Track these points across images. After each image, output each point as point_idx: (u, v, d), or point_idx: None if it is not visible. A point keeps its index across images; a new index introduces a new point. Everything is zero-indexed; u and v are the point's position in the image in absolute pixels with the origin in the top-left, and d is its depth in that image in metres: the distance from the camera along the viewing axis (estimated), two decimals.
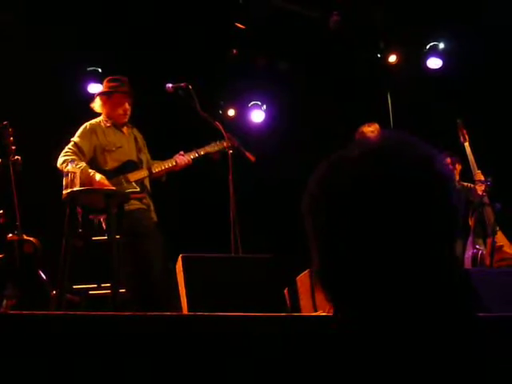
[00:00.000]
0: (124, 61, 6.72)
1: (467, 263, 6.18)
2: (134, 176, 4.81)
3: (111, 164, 4.81)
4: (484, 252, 6.00)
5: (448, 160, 6.49)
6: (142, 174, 4.89)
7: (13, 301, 4.53)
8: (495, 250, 5.80)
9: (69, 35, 6.30)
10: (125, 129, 5.02)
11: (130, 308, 3.90)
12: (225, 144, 5.05)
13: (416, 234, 0.98)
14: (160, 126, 6.84)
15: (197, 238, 6.35)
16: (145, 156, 5.08)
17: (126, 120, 5.01)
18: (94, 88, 6.22)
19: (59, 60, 5.32)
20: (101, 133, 4.88)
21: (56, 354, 2.49)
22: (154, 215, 4.96)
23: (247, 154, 4.91)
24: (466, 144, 6.16)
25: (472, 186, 6.16)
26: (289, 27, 7.29)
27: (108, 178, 4.62)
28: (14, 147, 4.29)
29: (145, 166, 4.97)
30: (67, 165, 4.50)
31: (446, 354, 0.96)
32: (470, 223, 6.33)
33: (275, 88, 7.83)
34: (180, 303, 3.87)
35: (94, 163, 4.74)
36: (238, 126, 7.57)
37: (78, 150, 4.73)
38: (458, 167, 6.47)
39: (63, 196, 4.23)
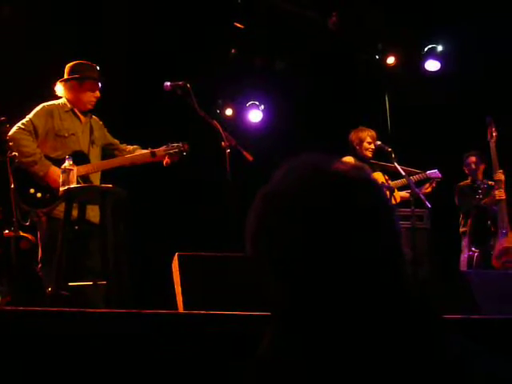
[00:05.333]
0: (122, 59, 6.72)
1: (463, 265, 6.20)
2: (80, 170, 4.48)
3: (60, 152, 4.60)
4: (479, 254, 6.01)
5: (473, 159, 6.45)
6: (89, 169, 4.63)
7: (8, 297, 4.53)
8: (505, 251, 5.78)
9: (67, 32, 6.30)
10: (82, 117, 4.81)
11: (126, 305, 3.89)
12: (177, 149, 4.70)
13: (360, 262, 0.98)
14: (157, 123, 6.85)
15: (194, 237, 6.35)
16: (97, 150, 4.83)
17: (92, 108, 4.83)
18: None
19: (58, 57, 5.30)
20: (57, 116, 4.70)
21: (51, 350, 2.49)
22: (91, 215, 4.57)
23: (245, 153, 4.89)
24: (492, 142, 6.09)
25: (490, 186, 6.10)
26: (287, 27, 7.30)
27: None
28: (11, 143, 4.27)
29: (95, 160, 4.74)
30: (29, 151, 4.46)
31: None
32: (467, 227, 6.34)
33: (273, 88, 7.85)
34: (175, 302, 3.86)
35: (42, 147, 4.60)
36: (236, 126, 7.58)
37: (33, 129, 4.59)
38: (482, 167, 6.43)
39: (60, 193, 4.22)
